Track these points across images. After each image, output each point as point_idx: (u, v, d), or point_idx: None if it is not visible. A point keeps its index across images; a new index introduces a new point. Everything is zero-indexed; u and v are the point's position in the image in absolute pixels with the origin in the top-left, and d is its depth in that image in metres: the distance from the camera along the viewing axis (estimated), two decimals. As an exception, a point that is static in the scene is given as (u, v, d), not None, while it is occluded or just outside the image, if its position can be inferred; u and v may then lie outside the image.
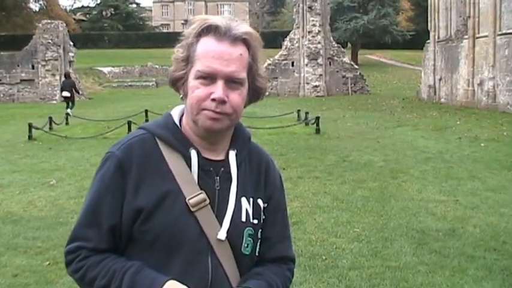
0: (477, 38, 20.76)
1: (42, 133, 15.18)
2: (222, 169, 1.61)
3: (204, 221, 1.54)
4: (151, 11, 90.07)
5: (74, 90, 22.95)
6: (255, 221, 1.63)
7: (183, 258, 1.53)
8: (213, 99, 1.50)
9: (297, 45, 30.55)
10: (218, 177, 1.60)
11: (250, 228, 1.61)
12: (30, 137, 14.56)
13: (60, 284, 4.86)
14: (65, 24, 33.78)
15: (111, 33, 69.16)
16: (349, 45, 52.77)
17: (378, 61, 54.00)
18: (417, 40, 42.81)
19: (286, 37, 31.72)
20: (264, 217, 1.66)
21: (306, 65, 29.98)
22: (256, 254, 1.65)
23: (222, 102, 1.50)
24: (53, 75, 31.37)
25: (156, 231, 1.52)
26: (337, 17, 48.23)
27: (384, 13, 50.05)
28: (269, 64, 30.42)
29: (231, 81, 1.52)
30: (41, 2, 61.57)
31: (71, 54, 32.77)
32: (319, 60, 29.92)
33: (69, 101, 22.26)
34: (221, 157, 1.63)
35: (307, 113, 16.63)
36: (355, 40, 51.21)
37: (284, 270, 1.70)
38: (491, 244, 5.71)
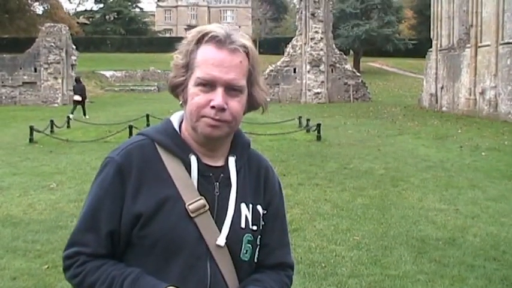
0: (479, 47, 20.79)
1: (43, 136, 15.19)
2: (222, 175, 1.61)
3: (203, 226, 1.54)
4: (154, 15, 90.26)
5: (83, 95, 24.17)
6: (254, 227, 1.63)
7: (181, 263, 1.53)
8: (213, 107, 1.50)
9: (299, 51, 30.59)
10: (218, 183, 1.60)
11: (250, 235, 1.61)
12: (31, 140, 14.57)
13: (58, 288, 4.85)
14: (67, 28, 33.86)
15: (113, 37, 69.31)
16: (351, 52, 52.82)
17: (380, 69, 54.10)
18: (419, 48, 42.92)
19: (288, 43, 31.82)
20: (263, 223, 1.66)
21: (308, 71, 30.01)
22: (255, 261, 1.65)
23: (221, 109, 1.50)
24: (55, 78, 31.48)
25: (155, 236, 1.52)
26: (339, 24, 48.32)
27: (387, 21, 50.17)
28: (271, 70, 30.49)
29: (231, 89, 1.52)
30: (44, 5, 61.73)
31: (73, 57, 32.82)
32: (321, 67, 29.97)
33: (77, 105, 23.44)
34: (221, 163, 1.63)
35: (308, 119, 16.63)
36: (358, 47, 51.25)
37: (283, 276, 1.69)
38: (491, 253, 5.70)
